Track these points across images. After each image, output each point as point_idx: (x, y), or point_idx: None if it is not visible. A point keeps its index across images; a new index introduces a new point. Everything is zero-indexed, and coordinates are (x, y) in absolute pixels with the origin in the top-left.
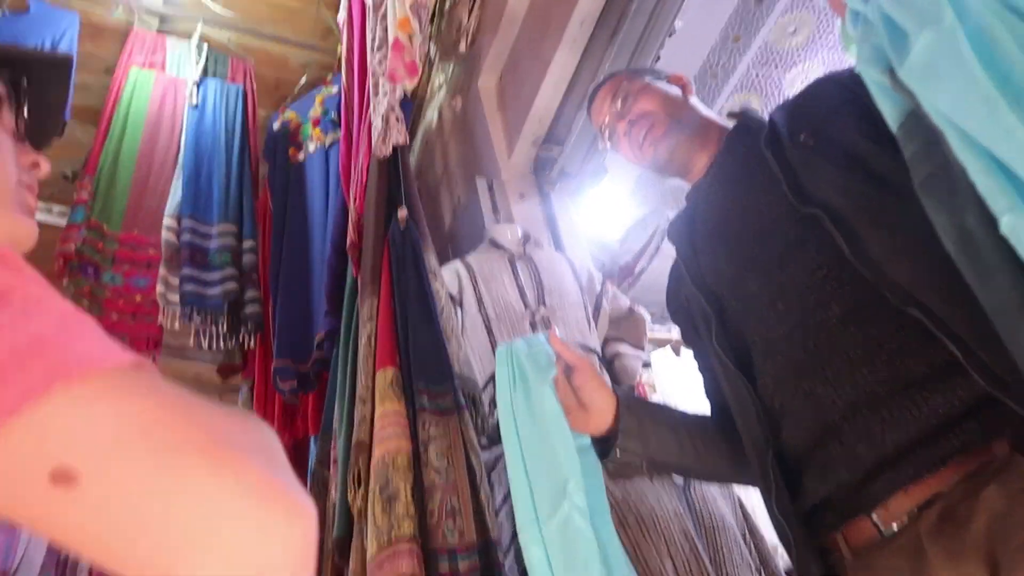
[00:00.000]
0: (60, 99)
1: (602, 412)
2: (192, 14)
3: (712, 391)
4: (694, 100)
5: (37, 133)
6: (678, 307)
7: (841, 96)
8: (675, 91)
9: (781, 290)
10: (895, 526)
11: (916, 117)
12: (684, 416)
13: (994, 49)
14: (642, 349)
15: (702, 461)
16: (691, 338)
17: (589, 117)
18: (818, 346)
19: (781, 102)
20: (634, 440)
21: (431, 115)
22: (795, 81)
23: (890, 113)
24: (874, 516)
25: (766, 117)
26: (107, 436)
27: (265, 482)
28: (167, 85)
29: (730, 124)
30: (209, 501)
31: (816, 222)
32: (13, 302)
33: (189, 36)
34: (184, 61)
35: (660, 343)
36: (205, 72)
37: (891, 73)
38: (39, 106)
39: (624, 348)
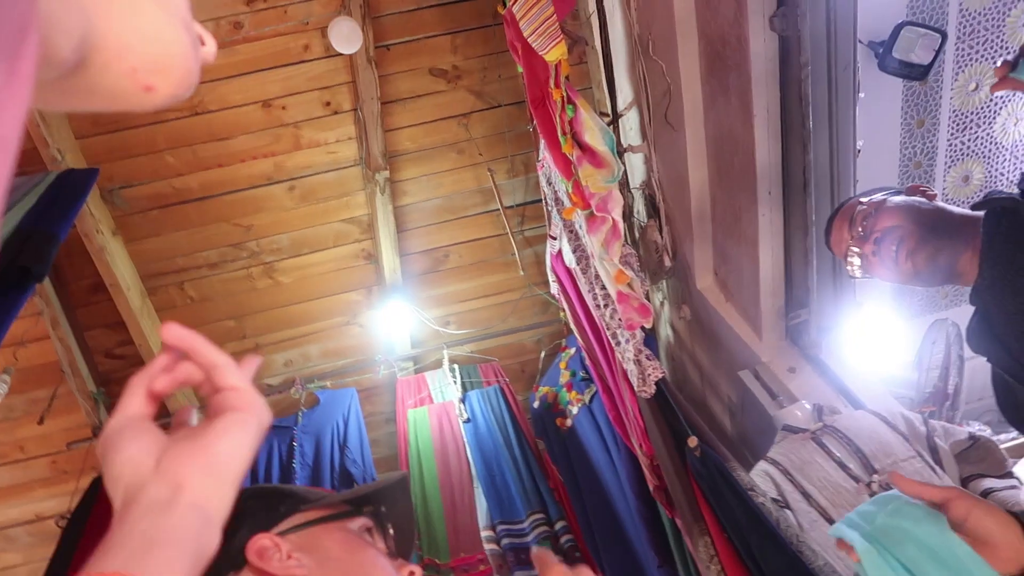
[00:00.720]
0: (408, 509)
1: (1008, 541)
2: (436, 345)
3: None
4: (939, 202)
5: (401, 543)
6: (1019, 414)
7: None
8: (914, 199)
9: None
10: None
11: None
12: None
13: None
14: (1010, 474)
15: None
16: None
17: (830, 249)
18: None
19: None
20: None
21: (665, 333)
22: (1006, 128)
23: None
24: None
25: (1015, 189)
26: None
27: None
28: (440, 412)
29: (979, 215)
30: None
31: None
32: None
33: (440, 364)
34: (445, 386)
35: (1018, 452)
36: (464, 387)
37: None
38: (397, 521)
39: (990, 483)
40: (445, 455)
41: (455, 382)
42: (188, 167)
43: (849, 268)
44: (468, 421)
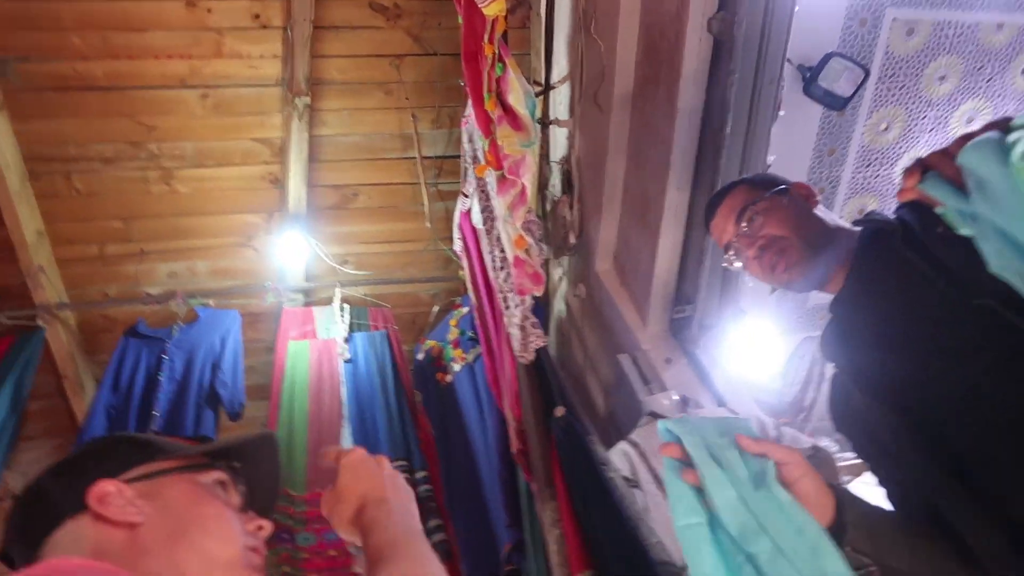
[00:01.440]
0: (273, 468)
1: (822, 507)
2: (330, 281)
3: (906, 500)
4: (820, 210)
5: (260, 499)
6: (851, 421)
7: None
8: (801, 202)
9: (974, 389)
10: None
11: None
12: (902, 516)
13: None
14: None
15: (934, 567)
16: (869, 451)
17: (708, 230)
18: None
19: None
20: (864, 538)
21: (559, 307)
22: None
23: None
24: None
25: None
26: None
27: None
28: (321, 348)
29: (857, 230)
30: None
31: (990, 312)
32: None
33: (331, 301)
34: (331, 324)
35: (855, 470)
36: (351, 328)
37: None
38: (257, 478)
39: None
40: (319, 391)
41: (343, 321)
42: (95, 52)
43: (726, 261)
44: (349, 361)
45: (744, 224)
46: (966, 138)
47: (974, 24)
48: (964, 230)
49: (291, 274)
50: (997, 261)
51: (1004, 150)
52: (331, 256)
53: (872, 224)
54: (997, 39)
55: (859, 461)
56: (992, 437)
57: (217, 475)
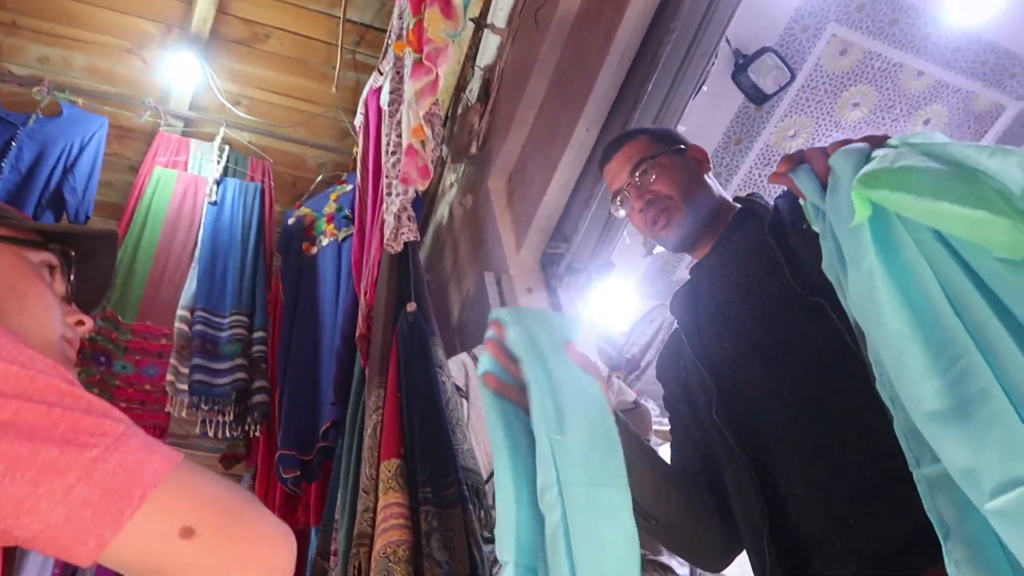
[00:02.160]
0: (107, 267)
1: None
2: (216, 118)
3: (691, 462)
4: (710, 178)
5: (86, 297)
6: (673, 375)
7: None
8: (694, 167)
9: (785, 377)
10: None
11: None
12: (666, 465)
13: (915, 291)
14: (647, 442)
15: (670, 514)
16: (679, 408)
17: (601, 172)
18: (822, 437)
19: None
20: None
21: (442, 212)
22: None
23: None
24: None
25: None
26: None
27: (273, 528)
28: (188, 183)
29: (737, 207)
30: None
31: (820, 311)
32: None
33: (212, 138)
34: (206, 161)
35: (667, 437)
36: (225, 172)
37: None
38: (88, 274)
39: None
40: (175, 225)
41: (218, 162)
42: None
43: (613, 206)
44: (215, 204)
45: (637, 176)
46: (845, 142)
47: (899, 64)
48: (815, 226)
49: (176, 98)
50: (827, 261)
51: (864, 161)
52: (224, 92)
53: (749, 204)
54: (914, 84)
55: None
56: (795, 425)
57: (47, 256)
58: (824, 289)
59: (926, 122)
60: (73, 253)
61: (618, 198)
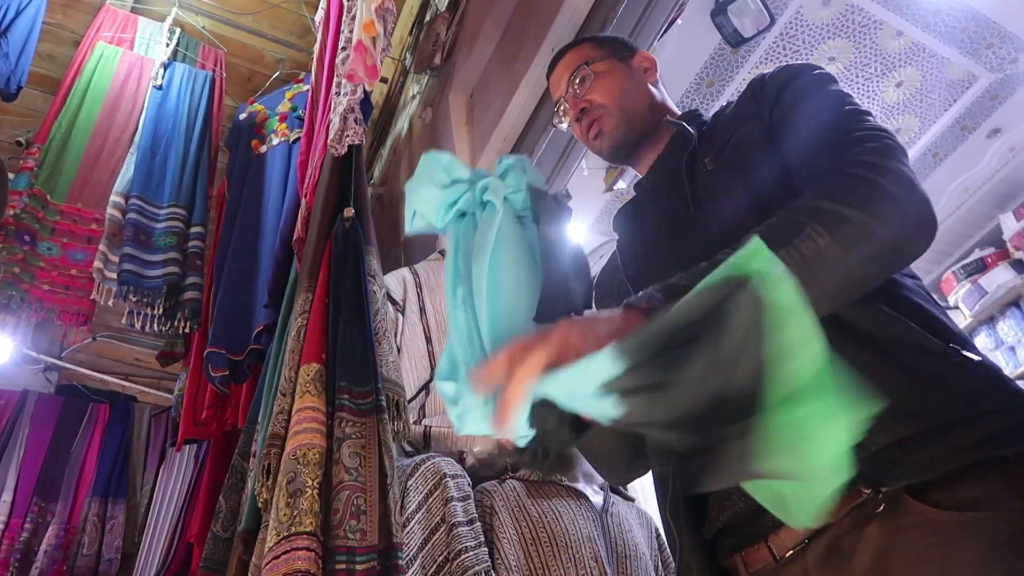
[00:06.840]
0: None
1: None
2: None
3: None
4: (657, 88)
5: None
6: (608, 292)
7: (740, 116)
8: (637, 75)
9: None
10: (788, 553)
11: None
12: None
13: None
14: None
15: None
16: None
17: (548, 81)
18: None
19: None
20: None
21: (402, 124)
22: None
23: None
24: (770, 542)
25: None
26: None
27: None
28: (133, 63)
29: (678, 122)
30: None
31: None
32: None
33: (163, 19)
34: (154, 42)
35: None
36: (175, 56)
37: None
38: None
39: None
40: (115, 106)
41: (168, 45)
42: None
43: (557, 117)
44: (160, 88)
45: (577, 84)
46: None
47: (880, 21)
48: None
49: None
50: None
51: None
52: None
53: (681, 128)
54: (892, 44)
55: None
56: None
57: None
58: (719, 234)
59: (898, 84)
60: None
61: (558, 108)
